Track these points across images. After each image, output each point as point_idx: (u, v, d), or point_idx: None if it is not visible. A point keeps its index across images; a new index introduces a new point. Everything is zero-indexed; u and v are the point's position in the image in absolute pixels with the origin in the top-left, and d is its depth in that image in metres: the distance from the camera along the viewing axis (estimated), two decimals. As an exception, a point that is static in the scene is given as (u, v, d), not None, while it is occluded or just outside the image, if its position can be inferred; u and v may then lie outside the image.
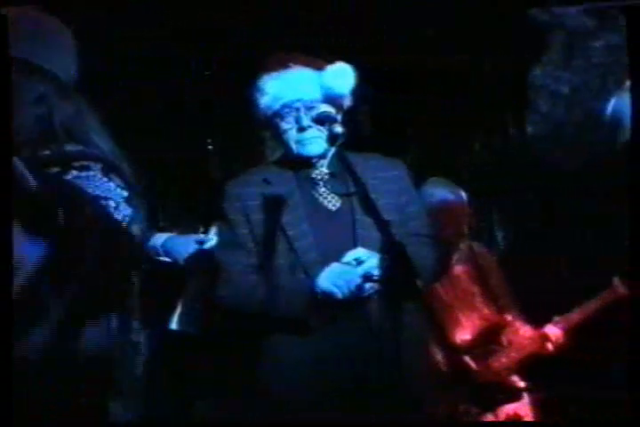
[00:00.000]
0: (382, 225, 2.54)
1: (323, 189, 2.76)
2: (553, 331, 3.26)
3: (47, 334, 2.03)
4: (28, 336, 2.04)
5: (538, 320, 3.31)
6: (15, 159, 2.16)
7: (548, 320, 3.25)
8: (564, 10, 2.50)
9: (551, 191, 2.75)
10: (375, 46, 4.20)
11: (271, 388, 2.67)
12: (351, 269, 2.62)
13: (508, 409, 3.36)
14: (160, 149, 4.24)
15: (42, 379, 2.05)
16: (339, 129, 2.70)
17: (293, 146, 2.75)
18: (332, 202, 2.77)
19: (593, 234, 2.65)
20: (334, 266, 2.64)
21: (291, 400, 2.62)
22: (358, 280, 2.59)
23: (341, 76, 2.79)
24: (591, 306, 3.02)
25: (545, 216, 2.85)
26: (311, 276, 2.66)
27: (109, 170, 2.17)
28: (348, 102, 2.84)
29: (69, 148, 2.17)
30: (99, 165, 2.14)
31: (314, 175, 2.75)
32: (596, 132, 2.46)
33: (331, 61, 2.83)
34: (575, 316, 3.16)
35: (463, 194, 3.48)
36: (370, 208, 2.67)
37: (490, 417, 3.40)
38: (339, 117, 2.80)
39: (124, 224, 2.10)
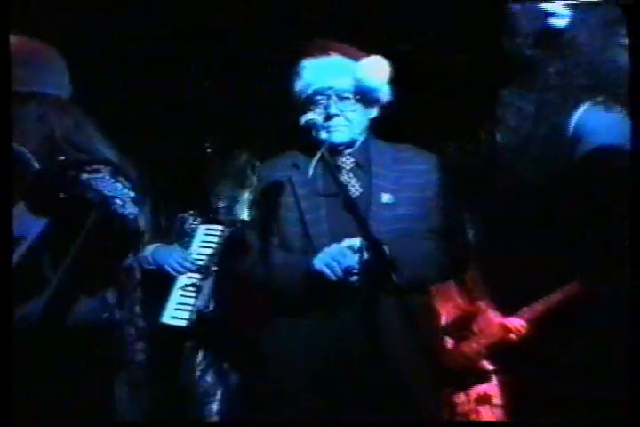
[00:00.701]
0: (361, 222, 2.57)
1: (345, 178, 2.78)
2: (516, 322, 3.40)
3: (46, 303, 2.20)
4: (28, 305, 2.18)
5: (506, 310, 3.44)
6: (16, 146, 2.29)
7: (515, 310, 3.39)
8: (523, 40, 2.62)
9: (517, 194, 2.82)
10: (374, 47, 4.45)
11: (270, 364, 2.73)
12: (347, 251, 2.63)
13: (478, 389, 3.55)
14: (160, 149, 4.18)
15: (42, 350, 2.20)
16: (365, 120, 2.83)
17: (321, 132, 2.78)
18: (352, 190, 2.78)
19: (555, 233, 2.72)
20: (332, 247, 2.67)
21: (286, 379, 2.67)
22: (353, 263, 2.61)
23: (375, 69, 2.80)
24: (554, 299, 3.13)
25: (512, 216, 2.92)
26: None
27: (117, 173, 2.31)
28: (379, 95, 2.83)
29: (79, 156, 2.37)
30: (108, 168, 2.31)
31: (339, 163, 2.78)
32: (560, 146, 2.56)
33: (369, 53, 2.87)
34: (539, 307, 3.26)
35: None
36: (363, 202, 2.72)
37: (462, 397, 3.57)
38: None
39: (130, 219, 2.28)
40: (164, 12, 4.18)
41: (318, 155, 2.68)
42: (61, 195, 2.20)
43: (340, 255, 2.61)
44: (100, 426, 2.27)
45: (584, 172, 2.49)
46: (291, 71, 2.88)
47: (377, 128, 2.93)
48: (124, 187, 2.32)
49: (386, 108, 2.89)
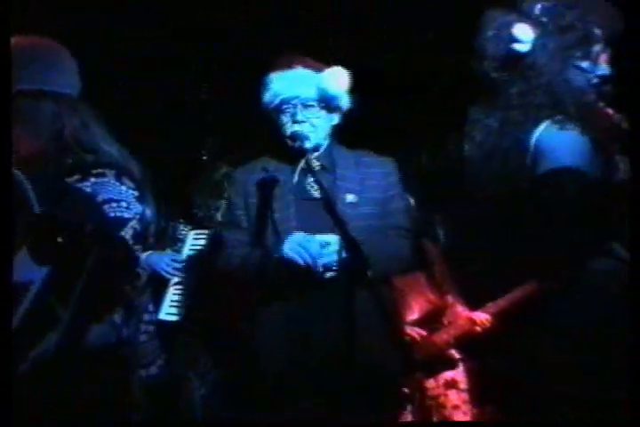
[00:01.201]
0: (340, 223, 2.71)
1: (311, 180, 2.96)
2: (482, 316, 3.54)
3: (59, 338, 2.25)
4: (42, 342, 2.23)
5: (472, 305, 3.62)
6: (22, 179, 2.37)
7: (481, 305, 3.54)
8: (489, 63, 2.72)
9: (483, 200, 2.85)
10: (374, 47, 4.28)
11: (257, 346, 2.89)
12: (311, 238, 2.80)
13: (447, 375, 3.76)
14: (158, 149, 4.19)
15: (55, 380, 2.25)
16: (328, 126, 3.02)
17: (287, 137, 2.99)
18: (319, 192, 2.95)
19: (516, 236, 2.71)
20: (295, 235, 2.82)
21: (270, 360, 2.84)
22: (318, 249, 2.77)
23: (336, 79, 3.00)
24: (515, 295, 3.15)
25: (478, 220, 2.94)
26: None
27: (121, 174, 2.41)
28: (341, 103, 3.04)
29: (85, 157, 2.44)
30: (113, 171, 2.42)
31: (305, 166, 2.93)
32: (521, 159, 2.63)
33: (331, 64, 3.03)
34: (501, 303, 3.38)
35: None
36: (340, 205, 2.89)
37: (432, 382, 3.74)
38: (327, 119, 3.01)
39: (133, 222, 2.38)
40: (164, 12, 4.37)
41: (303, 162, 2.91)
42: (59, 239, 2.21)
43: (305, 242, 2.77)
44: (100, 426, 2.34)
45: (542, 185, 2.57)
46: (259, 85, 3.06)
47: (340, 135, 3.12)
48: (129, 188, 2.42)
49: (346, 116, 3.09)
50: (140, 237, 2.44)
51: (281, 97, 2.98)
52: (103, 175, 2.38)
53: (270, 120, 3.04)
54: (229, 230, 3.05)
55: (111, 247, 2.28)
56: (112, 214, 2.34)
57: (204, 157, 4.06)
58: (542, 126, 2.60)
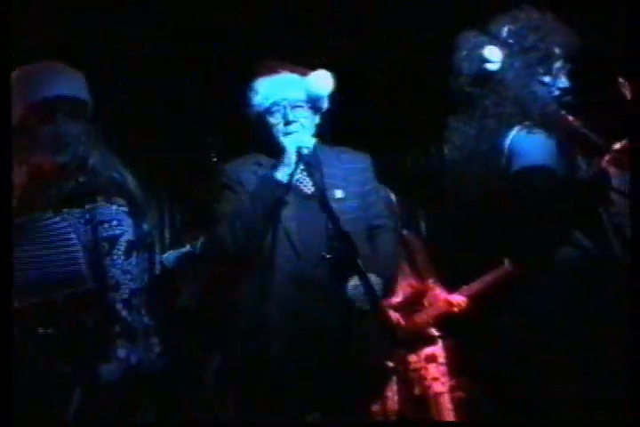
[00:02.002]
0: (333, 219, 2.81)
1: (300, 176, 3.06)
2: (458, 298, 3.73)
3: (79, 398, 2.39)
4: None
5: (450, 288, 3.79)
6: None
7: (457, 288, 3.72)
8: (464, 79, 2.96)
9: (461, 197, 3.03)
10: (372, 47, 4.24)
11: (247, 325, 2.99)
12: None
13: (427, 351, 3.99)
14: (160, 149, 4.31)
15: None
16: (313, 126, 3.11)
17: (281, 137, 3.07)
18: (308, 186, 3.07)
19: (490, 227, 2.85)
20: None
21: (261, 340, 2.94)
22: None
23: (322, 81, 3.12)
24: (487, 279, 3.36)
25: (456, 213, 3.12)
26: (291, 237, 3.00)
27: (111, 195, 2.55)
28: (325, 103, 3.16)
29: (81, 179, 2.58)
30: (101, 196, 2.54)
31: (298, 159, 2.98)
32: (498, 161, 2.83)
33: (314, 68, 3.13)
34: (475, 286, 3.57)
35: None
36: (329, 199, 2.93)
37: (414, 356, 3.93)
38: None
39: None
40: (164, 12, 4.35)
41: (296, 155, 2.97)
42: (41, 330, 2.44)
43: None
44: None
45: (515, 182, 2.78)
46: (244, 90, 3.16)
47: (324, 134, 3.21)
48: (119, 206, 2.56)
49: (326, 116, 3.21)
50: (135, 245, 2.59)
51: (271, 99, 3.09)
52: (94, 201, 2.55)
53: (259, 122, 3.14)
54: (230, 208, 3.09)
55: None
56: (104, 234, 2.53)
57: (214, 159, 4.11)
58: (514, 131, 2.84)
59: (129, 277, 2.52)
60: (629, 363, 2.27)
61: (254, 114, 3.17)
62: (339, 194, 3.09)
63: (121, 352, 2.44)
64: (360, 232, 3.06)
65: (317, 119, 3.20)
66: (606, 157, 2.70)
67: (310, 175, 3.01)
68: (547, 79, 2.94)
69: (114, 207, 2.56)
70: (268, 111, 3.12)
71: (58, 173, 2.60)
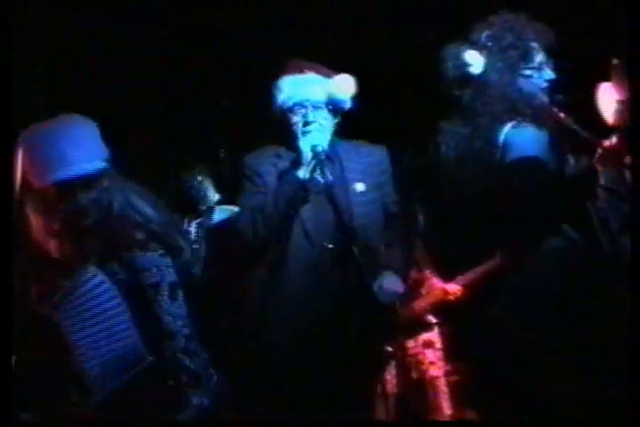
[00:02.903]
0: (340, 213, 2.99)
1: (319, 173, 3.12)
2: (454, 286, 3.78)
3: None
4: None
5: (446, 278, 3.84)
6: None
7: (452, 278, 3.78)
8: (452, 85, 3.09)
9: (457, 190, 3.11)
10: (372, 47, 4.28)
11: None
12: None
13: (424, 337, 4.06)
14: (160, 149, 4.29)
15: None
16: (332, 125, 3.19)
17: (300, 135, 3.15)
18: (319, 179, 3.13)
19: (484, 219, 2.94)
20: None
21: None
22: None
23: (344, 85, 3.19)
24: (481, 270, 3.35)
25: (452, 206, 3.16)
26: (308, 231, 3.08)
27: (144, 242, 2.51)
28: (345, 106, 3.23)
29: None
30: (136, 247, 2.50)
31: (313, 157, 3.06)
32: (492, 155, 2.95)
33: (337, 71, 3.20)
34: (470, 276, 3.54)
35: None
36: (344, 191, 3.11)
37: (412, 342, 4.01)
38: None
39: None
40: (164, 12, 4.38)
41: (311, 154, 3.06)
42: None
43: None
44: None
45: (510, 173, 2.92)
46: (271, 86, 3.24)
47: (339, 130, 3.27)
48: (153, 250, 2.52)
49: (344, 115, 3.27)
50: (178, 285, 2.55)
51: (294, 99, 3.16)
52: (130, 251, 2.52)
53: (281, 119, 3.21)
54: (250, 198, 3.17)
55: None
56: (148, 282, 2.50)
57: (222, 154, 4.18)
58: (507, 127, 3.00)
59: (180, 323, 2.49)
60: (629, 363, 2.28)
61: (277, 111, 3.24)
62: (360, 187, 3.19)
63: (194, 400, 2.45)
64: (378, 222, 3.20)
65: (337, 118, 3.28)
66: (596, 155, 2.80)
67: (326, 170, 3.10)
68: (530, 72, 3.08)
69: (148, 254, 2.53)
70: (291, 110, 3.19)
71: (85, 233, 2.51)
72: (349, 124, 3.37)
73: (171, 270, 2.53)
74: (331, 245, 3.06)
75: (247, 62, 4.42)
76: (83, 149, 2.44)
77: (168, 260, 2.54)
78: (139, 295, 2.47)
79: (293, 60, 3.32)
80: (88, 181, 2.44)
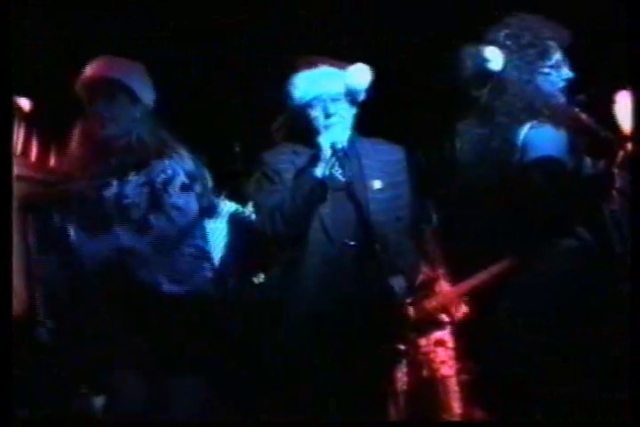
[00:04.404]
0: (360, 207, 3.04)
1: (338, 170, 3.14)
2: (463, 287, 3.75)
3: None
4: None
5: (458, 277, 3.82)
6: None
7: (465, 277, 3.70)
8: (471, 84, 3.11)
9: (471, 190, 3.13)
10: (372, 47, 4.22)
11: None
12: None
13: (436, 335, 4.08)
14: None
15: None
16: (351, 117, 3.19)
17: (322, 129, 3.16)
18: (342, 176, 3.15)
19: (498, 219, 2.97)
20: None
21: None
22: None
23: (360, 74, 3.17)
24: (494, 269, 3.29)
25: (466, 205, 3.17)
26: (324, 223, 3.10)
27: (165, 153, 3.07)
28: (362, 96, 3.21)
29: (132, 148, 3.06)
30: (153, 159, 3.07)
31: (332, 154, 3.07)
32: (511, 154, 2.96)
33: (351, 62, 3.18)
34: (482, 276, 3.47)
35: None
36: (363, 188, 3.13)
37: (424, 340, 4.03)
38: None
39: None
40: (164, 12, 4.40)
41: (331, 151, 3.06)
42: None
43: None
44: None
45: (528, 173, 2.94)
46: (285, 83, 3.25)
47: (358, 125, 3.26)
48: (170, 158, 3.06)
49: (360, 107, 3.25)
50: (187, 187, 3.06)
51: (312, 94, 3.17)
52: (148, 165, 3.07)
53: (298, 115, 3.22)
54: (267, 196, 3.20)
55: None
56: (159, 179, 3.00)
57: (237, 149, 4.14)
58: (526, 127, 3.01)
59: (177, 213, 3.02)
60: (629, 363, 2.33)
61: (294, 107, 3.25)
62: (377, 184, 3.19)
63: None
64: (391, 222, 3.18)
65: (354, 111, 3.26)
66: (616, 157, 2.80)
67: (345, 167, 3.13)
68: (548, 71, 3.10)
69: (166, 161, 3.01)
70: (309, 105, 3.19)
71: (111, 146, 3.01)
72: (366, 121, 3.37)
73: (182, 172, 3.05)
74: (352, 242, 3.08)
75: (259, 59, 4.46)
76: (126, 69, 3.21)
77: (184, 165, 3.10)
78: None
79: (305, 56, 3.34)
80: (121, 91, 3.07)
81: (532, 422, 2.79)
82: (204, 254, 3.27)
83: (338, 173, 3.15)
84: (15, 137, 2.85)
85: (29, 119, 3.18)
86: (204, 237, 3.32)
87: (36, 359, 2.57)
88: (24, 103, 3.14)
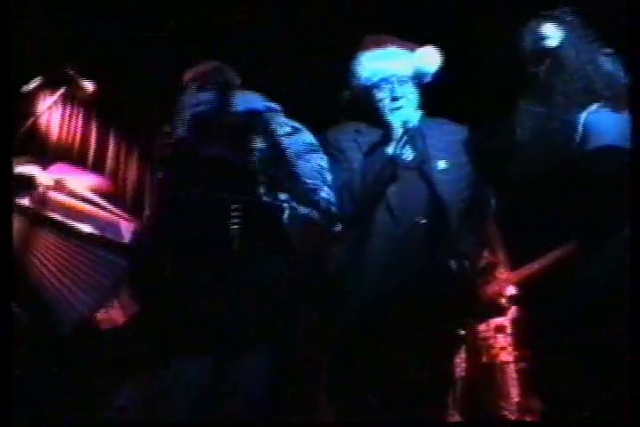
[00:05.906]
0: (433, 188, 3.05)
1: (406, 149, 3.14)
2: (524, 272, 3.62)
3: None
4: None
5: (518, 262, 3.70)
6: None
7: (525, 263, 3.61)
8: (528, 60, 3.08)
9: (530, 174, 3.08)
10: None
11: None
12: None
13: (497, 321, 3.99)
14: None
15: None
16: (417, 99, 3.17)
17: (388, 111, 3.17)
18: (410, 157, 3.16)
19: (560, 203, 2.97)
20: None
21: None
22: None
23: (429, 57, 3.18)
24: (553, 255, 3.27)
25: (525, 189, 3.13)
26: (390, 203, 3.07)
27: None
28: (429, 79, 3.22)
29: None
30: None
31: (404, 133, 3.08)
32: (569, 138, 2.94)
33: (421, 45, 3.18)
34: (542, 262, 3.40)
35: None
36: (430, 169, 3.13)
37: (484, 326, 3.97)
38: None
39: None
40: (164, 12, 4.41)
41: (402, 130, 3.07)
42: None
43: None
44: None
45: (590, 161, 2.92)
46: (351, 63, 3.23)
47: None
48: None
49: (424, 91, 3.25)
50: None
51: (380, 75, 3.15)
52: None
53: (365, 96, 3.21)
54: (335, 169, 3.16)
55: None
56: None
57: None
58: (589, 110, 2.99)
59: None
60: (630, 363, 2.32)
61: (361, 87, 3.23)
62: (442, 165, 3.17)
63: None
64: (455, 202, 3.17)
65: (419, 92, 3.25)
66: None
67: (413, 146, 3.13)
68: (611, 51, 3.05)
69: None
70: (376, 86, 3.18)
71: None
72: (428, 100, 3.33)
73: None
74: (424, 220, 3.07)
75: (259, 59, 4.44)
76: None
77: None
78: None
79: (371, 36, 3.29)
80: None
81: (532, 423, 2.93)
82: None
83: (408, 152, 3.14)
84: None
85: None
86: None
87: (35, 359, 2.57)
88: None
